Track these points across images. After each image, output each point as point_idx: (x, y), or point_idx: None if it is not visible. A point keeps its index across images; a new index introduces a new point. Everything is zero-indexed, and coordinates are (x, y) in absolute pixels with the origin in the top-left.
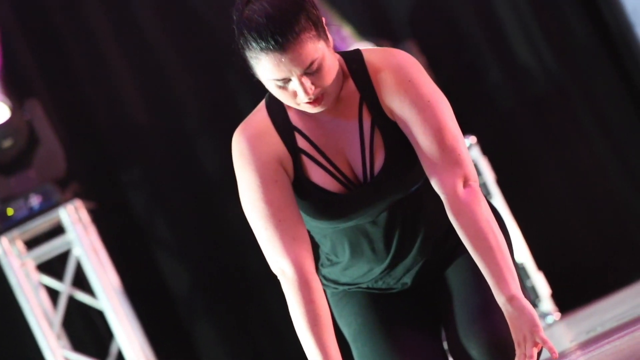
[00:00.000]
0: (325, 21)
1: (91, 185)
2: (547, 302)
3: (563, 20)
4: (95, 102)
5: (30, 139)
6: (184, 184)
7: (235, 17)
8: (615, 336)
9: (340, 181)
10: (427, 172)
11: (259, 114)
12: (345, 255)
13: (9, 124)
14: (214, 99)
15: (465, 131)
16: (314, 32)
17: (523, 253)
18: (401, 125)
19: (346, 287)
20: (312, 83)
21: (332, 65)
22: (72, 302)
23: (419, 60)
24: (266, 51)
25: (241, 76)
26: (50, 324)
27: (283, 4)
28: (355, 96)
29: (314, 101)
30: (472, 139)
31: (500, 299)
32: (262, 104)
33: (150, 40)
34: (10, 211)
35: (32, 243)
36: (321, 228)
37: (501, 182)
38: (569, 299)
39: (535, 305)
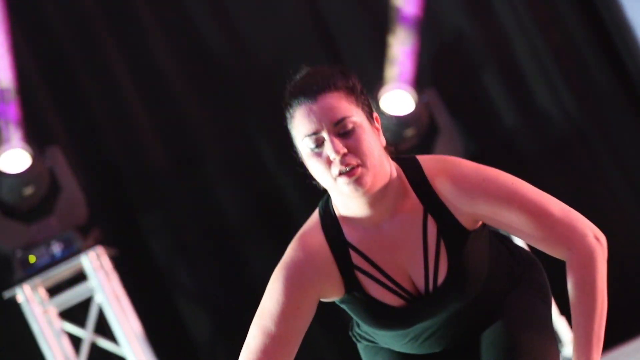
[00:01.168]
0: (376, 116)
1: (112, 232)
2: (569, 347)
3: (583, 65)
4: (116, 149)
5: (52, 186)
6: (205, 230)
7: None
8: None
9: (401, 295)
10: (552, 251)
11: (314, 230)
12: (395, 346)
13: (30, 171)
14: (235, 145)
15: None
16: (352, 98)
17: None
18: (493, 224)
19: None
20: (345, 146)
21: (372, 141)
22: (95, 348)
23: (440, 107)
24: (299, 103)
25: (261, 122)
26: None
27: (323, 68)
28: (419, 208)
29: (350, 173)
30: None
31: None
32: (316, 216)
33: (170, 87)
34: (32, 258)
35: (54, 290)
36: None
37: None
38: None
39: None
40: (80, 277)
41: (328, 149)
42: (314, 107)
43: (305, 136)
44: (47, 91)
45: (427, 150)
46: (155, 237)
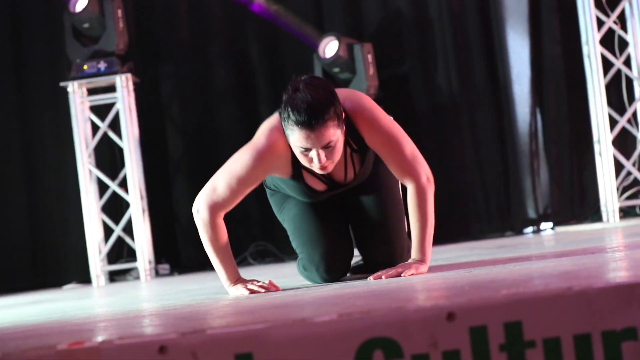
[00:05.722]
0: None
1: (140, 69)
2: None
3: (470, 62)
4: (154, 18)
5: (102, 24)
6: (197, 83)
7: (285, 96)
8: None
9: (325, 183)
10: (400, 179)
11: (281, 131)
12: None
13: (86, 11)
14: (228, 33)
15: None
16: (336, 122)
17: None
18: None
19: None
20: (325, 155)
21: (341, 146)
22: (105, 138)
23: (373, 58)
24: (300, 126)
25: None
26: (87, 145)
27: (321, 96)
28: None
29: (323, 167)
30: None
31: (416, 256)
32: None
33: None
34: (85, 67)
35: (92, 91)
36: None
37: None
38: None
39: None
40: (111, 88)
41: (314, 157)
42: (312, 135)
43: (299, 146)
44: None
45: None
46: (164, 80)
